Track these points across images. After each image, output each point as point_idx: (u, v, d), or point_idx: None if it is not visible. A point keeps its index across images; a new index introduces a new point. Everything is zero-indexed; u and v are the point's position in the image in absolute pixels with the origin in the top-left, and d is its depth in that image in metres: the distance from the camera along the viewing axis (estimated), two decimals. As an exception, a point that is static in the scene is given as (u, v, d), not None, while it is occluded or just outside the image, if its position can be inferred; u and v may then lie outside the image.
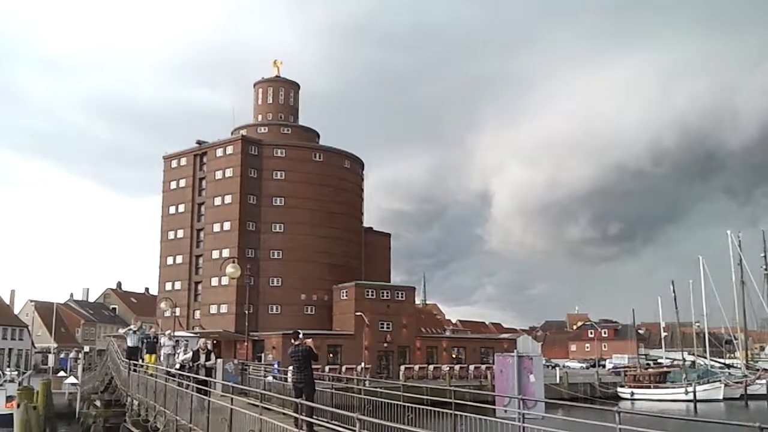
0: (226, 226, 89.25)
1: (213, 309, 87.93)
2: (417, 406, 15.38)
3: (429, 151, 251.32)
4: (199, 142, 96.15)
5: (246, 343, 56.84)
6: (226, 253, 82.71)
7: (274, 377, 32.33)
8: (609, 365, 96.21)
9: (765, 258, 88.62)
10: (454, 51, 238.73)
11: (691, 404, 61.86)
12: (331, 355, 75.79)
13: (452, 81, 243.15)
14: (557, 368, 78.32)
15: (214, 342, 67.04)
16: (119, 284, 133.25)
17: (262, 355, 75.23)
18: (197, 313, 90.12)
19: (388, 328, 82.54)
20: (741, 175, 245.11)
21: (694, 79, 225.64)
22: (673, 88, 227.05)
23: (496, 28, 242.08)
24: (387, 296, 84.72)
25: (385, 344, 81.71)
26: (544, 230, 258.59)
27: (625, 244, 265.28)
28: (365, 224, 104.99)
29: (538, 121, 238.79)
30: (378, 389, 24.22)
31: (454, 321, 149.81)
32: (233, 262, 31.85)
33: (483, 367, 74.43)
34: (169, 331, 32.00)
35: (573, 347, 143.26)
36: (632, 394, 67.75)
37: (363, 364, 67.39)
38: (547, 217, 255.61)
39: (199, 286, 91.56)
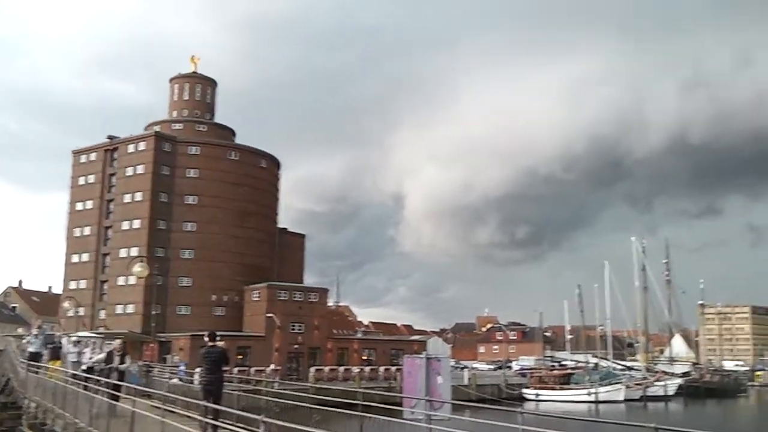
0: (136, 224, 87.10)
1: (119, 309, 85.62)
2: (326, 407, 15.35)
3: (346, 152, 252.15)
4: (110, 137, 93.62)
5: (152, 345, 55.60)
6: (134, 251, 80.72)
7: (180, 379, 31.76)
8: (516, 367, 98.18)
9: (667, 264, 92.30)
10: (375, 52, 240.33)
11: (594, 405, 63.64)
12: (240, 356, 74.87)
13: (372, 81, 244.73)
14: (466, 370, 79.37)
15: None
16: (20, 282, 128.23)
17: (168, 356, 73.64)
18: (102, 313, 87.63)
19: (299, 329, 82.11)
20: (644, 184, 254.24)
21: (605, 88, 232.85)
22: (585, 97, 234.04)
23: (418, 31, 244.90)
24: (299, 298, 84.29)
25: (296, 346, 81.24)
26: (456, 233, 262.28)
27: (533, 249, 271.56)
28: (280, 225, 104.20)
29: (454, 124, 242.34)
30: (287, 391, 24.08)
31: (366, 323, 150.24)
32: (141, 260, 31.14)
33: (393, 368, 74.82)
34: (74, 337, 30.96)
35: (482, 349, 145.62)
36: (537, 395, 69.25)
37: (272, 366, 66.80)
38: (458, 220, 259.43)
39: (105, 285, 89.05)
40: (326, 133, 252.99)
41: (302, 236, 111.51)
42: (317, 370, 72.71)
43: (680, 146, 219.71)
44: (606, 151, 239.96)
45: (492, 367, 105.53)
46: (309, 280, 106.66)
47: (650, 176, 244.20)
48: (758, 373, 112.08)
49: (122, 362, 20.45)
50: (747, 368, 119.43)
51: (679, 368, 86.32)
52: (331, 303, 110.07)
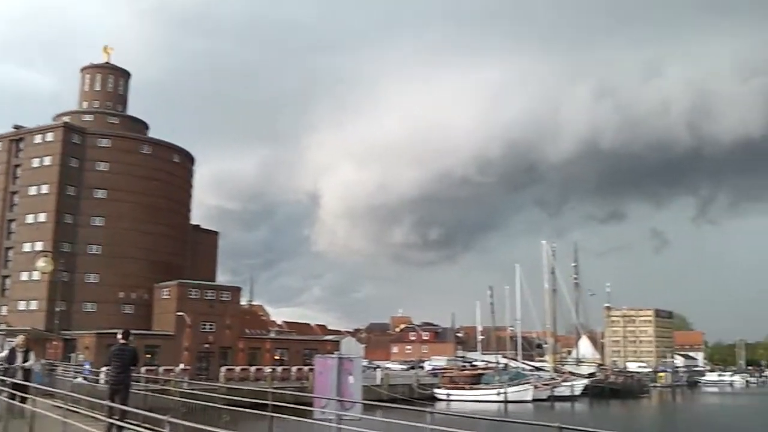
0: (41, 217, 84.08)
1: (22, 305, 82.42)
2: (236, 408, 15.14)
3: (262, 149, 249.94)
4: (16, 127, 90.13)
5: (56, 343, 53.81)
6: (39, 246, 77.85)
7: (85, 378, 30.80)
8: (428, 367, 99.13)
9: (575, 268, 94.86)
10: (294, 48, 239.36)
11: (502, 405, 64.76)
12: (149, 355, 73.13)
13: (290, 78, 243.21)
14: (378, 370, 79.66)
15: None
16: None
17: (73, 355, 71.35)
18: (4, 309, 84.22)
19: (210, 328, 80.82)
20: (555, 189, 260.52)
21: (522, 93, 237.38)
22: (501, 101, 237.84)
23: (339, 29, 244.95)
24: (211, 296, 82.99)
25: (207, 345, 79.93)
26: (371, 233, 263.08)
27: (446, 250, 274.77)
28: (192, 221, 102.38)
29: (372, 124, 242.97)
30: (196, 391, 23.63)
31: (279, 322, 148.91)
32: (46, 255, 30.07)
33: (306, 368, 74.45)
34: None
35: (395, 349, 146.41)
36: (448, 395, 69.99)
37: (182, 366, 65.58)
38: (374, 220, 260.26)
39: (8, 281, 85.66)
40: (243, 128, 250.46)
41: (215, 233, 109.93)
42: (228, 369, 71.69)
43: (591, 152, 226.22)
44: (521, 155, 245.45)
45: (405, 367, 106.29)
46: (222, 278, 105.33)
47: (562, 181, 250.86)
48: (660, 374, 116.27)
49: (26, 360, 18.76)
50: (649, 370, 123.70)
51: (585, 369, 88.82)
52: (243, 302, 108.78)
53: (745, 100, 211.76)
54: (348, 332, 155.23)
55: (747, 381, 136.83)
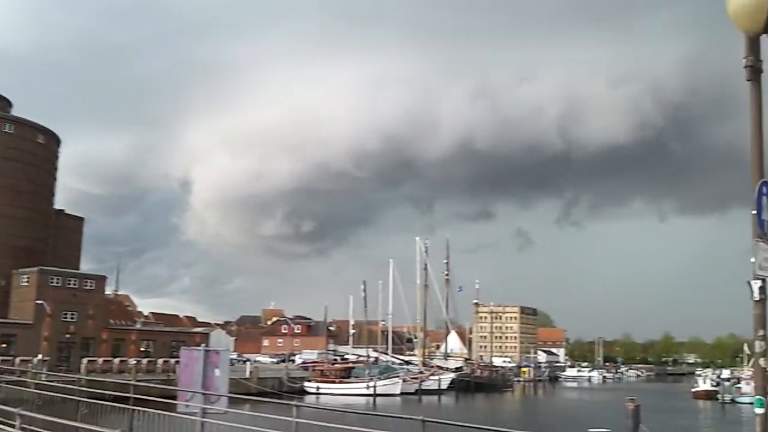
0: None
1: None
2: (96, 401, 14.59)
3: (133, 132, 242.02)
4: None
5: None
6: None
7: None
8: (299, 360, 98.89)
9: (447, 264, 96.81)
10: (171, 31, 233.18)
11: (371, 398, 65.40)
12: (4, 345, 69.53)
13: (166, 61, 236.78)
14: (248, 363, 78.78)
15: None
16: None
17: None
18: None
19: (72, 318, 77.49)
20: (429, 185, 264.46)
21: (402, 89, 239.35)
22: (381, 96, 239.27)
23: (218, 15, 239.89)
24: (74, 285, 79.54)
25: (68, 335, 76.60)
26: (243, 223, 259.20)
27: (319, 243, 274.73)
28: (56, 206, 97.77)
29: (249, 112, 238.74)
30: (55, 383, 22.59)
31: (146, 313, 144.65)
32: None
33: (172, 361, 72.62)
34: None
35: (266, 342, 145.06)
36: (318, 388, 70.18)
37: (40, 356, 62.60)
38: (246, 210, 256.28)
39: None
40: (114, 111, 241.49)
41: (80, 219, 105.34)
42: (90, 361, 69.01)
43: (466, 152, 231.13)
44: (398, 151, 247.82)
45: (275, 360, 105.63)
46: (86, 266, 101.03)
47: (437, 178, 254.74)
48: (523, 369, 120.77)
49: None
50: (514, 365, 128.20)
51: (453, 363, 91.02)
52: (109, 291, 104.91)
53: (613, 107, 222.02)
54: (218, 324, 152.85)
55: (604, 376, 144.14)
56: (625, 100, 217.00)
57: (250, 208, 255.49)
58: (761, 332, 6.16)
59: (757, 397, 6.29)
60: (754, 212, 6.21)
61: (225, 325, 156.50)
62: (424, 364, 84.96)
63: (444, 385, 75.98)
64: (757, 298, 6.14)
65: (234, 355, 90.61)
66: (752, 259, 6.14)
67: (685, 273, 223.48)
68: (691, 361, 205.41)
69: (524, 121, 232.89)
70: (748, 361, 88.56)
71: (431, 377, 76.32)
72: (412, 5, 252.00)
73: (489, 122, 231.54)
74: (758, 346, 6.19)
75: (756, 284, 6.13)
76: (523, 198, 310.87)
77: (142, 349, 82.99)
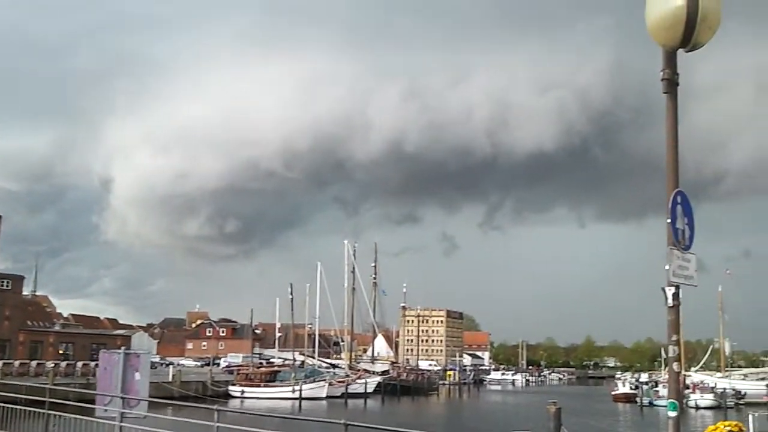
0: None
1: None
2: (11, 405, 14.14)
3: (52, 127, 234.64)
4: None
5: None
6: None
7: None
8: (223, 364, 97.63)
9: (375, 268, 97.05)
10: (95, 25, 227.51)
11: (297, 402, 65.01)
12: None
13: (89, 56, 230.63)
14: (171, 366, 77.39)
15: None
16: None
17: None
18: None
19: (-13, 319, 74.98)
20: (357, 187, 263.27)
21: (333, 89, 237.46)
22: (313, 95, 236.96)
23: (149, 9, 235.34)
24: (-10, 284, 77.02)
25: (-17, 337, 74.09)
26: (165, 223, 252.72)
27: (245, 245, 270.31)
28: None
29: (176, 109, 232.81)
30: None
31: (65, 315, 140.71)
32: None
33: (92, 364, 70.77)
34: None
35: (190, 345, 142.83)
36: (243, 392, 69.40)
37: (-48, 359, 60.33)
38: (170, 210, 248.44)
39: None
40: (31, 104, 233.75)
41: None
42: (5, 364, 66.69)
43: (396, 154, 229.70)
44: (329, 152, 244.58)
45: (199, 363, 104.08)
46: (2, 265, 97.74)
47: (367, 180, 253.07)
48: (449, 372, 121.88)
49: None
50: (439, 368, 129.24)
51: (379, 367, 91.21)
52: (26, 292, 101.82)
53: (540, 113, 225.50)
54: (141, 327, 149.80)
55: (527, 380, 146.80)
56: (551, 106, 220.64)
57: (174, 208, 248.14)
58: (675, 337, 6.35)
59: (670, 400, 6.47)
60: (669, 221, 6.40)
61: (148, 328, 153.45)
62: (351, 368, 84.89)
63: (370, 388, 76.01)
64: (671, 304, 6.33)
65: (156, 359, 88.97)
66: (666, 267, 6.32)
67: (606, 278, 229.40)
68: (611, 365, 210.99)
69: (454, 125, 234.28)
70: (665, 365, 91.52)
71: (357, 381, 76.30)
72: (347, 6, 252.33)
73: (419, 125, 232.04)
74: (671, 350, 6.38)
75: (670, 291, 6.31)
76: (450, 202, 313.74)
77: (60, 351, 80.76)
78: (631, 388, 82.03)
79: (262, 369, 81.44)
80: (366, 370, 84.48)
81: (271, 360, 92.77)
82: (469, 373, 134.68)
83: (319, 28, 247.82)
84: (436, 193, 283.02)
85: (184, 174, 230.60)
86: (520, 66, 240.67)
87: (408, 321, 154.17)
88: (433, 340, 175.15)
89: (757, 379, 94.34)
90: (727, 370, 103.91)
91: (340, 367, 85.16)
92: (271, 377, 75.44)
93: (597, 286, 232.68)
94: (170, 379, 64.42)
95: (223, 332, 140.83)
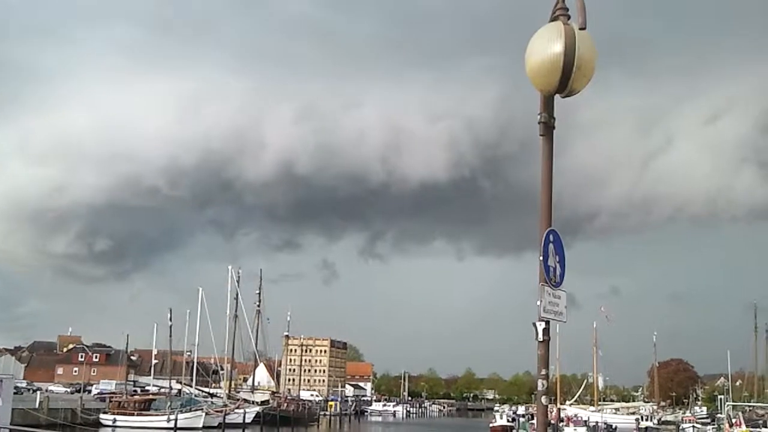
0: None
1: None
2: None
3: None
4: None
5: None
6: None
7: None
8: (95, 391, 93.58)
9: (259, 295, 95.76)
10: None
11: (172, 432, 63.18)
12: None
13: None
14: (39, 392, 73.59)
15: None
16: None
17: None
18: None
19: None
20: (243, 211, 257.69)
21: (223, 107, 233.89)
22: (200, 112, 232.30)
23: (28, 16, 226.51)
24: None
25: None
26: (32, 239, 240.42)
27: (116, 266, 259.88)
28: None
29: (56, 119, 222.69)
30: None
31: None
32: None
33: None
34: None
35: (60, 370, 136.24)
36: (115, 420, 67.04)
37: None
38: (38, 225, 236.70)
39: None
40: None
41: None
42: None
43: (287, 176, 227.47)
44: (215, 171, 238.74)
45: (70, 390, 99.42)
46: None
47: (252, 203, 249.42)
48: (330, 403, 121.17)
49: None
50: (321, 398, 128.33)
51: (259, 396, 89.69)
52: None
53: (432, 142, 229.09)
54: (7, 350, 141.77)
55: (408, 411, 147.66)
56: (443, 136, 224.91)
57: (46, 223, 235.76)
58: (544, 371, 6.53)
59: (538, 433, 6.65)
60: (541, 258, 6.62)
61: (15, 351, 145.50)
62: (230, 397, 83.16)
63: (249, 418, 74.63)
64: (541, 339, 6.52)
65: (23, 384, 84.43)
66: (538, 303, 6.52)
67: (486, 311, 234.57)
68: (490, 397, 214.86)
69: (346, 150, 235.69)
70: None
71: (236, 410, 74.82)
72: (240, 27, 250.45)
73: (311, 148, 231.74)
74: (540, 384, 6.55)
75: (540, 326, 6.50)
76: (332, 228, 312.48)
77: None
78: (508, 421, 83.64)
79: (136, 397, 78.63)
80: (245, 400, 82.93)
81: (147, 388, 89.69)
82: (350, 403, 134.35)
83: (211, 46, 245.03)
84: (319, 219, 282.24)
85: (61, 187, 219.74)
86: (413, 95, 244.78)
87: (291, 350, 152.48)
88: (315, 370, 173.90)
89: (628, 413, 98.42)
90: (599, 404, 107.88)
91: (219, 396, 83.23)
92: (146, 406, 72.95)
93: (477, 318, 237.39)
94: (37, 405, 61.32)
95: (96, 358, 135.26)
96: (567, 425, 76.41)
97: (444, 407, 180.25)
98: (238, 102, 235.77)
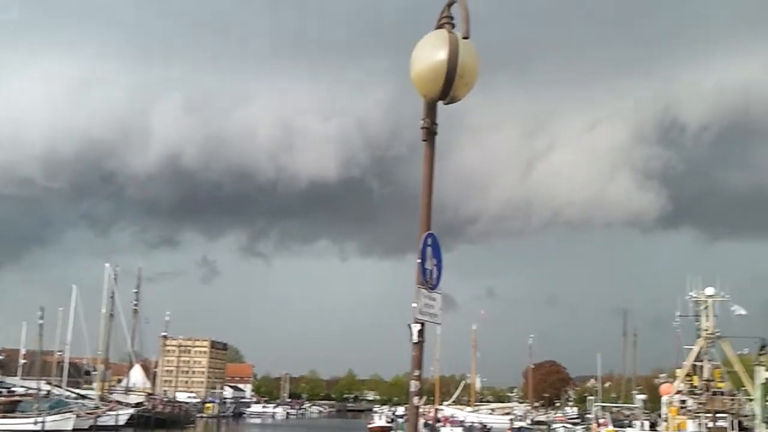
0: None
1: None
2: None
3: None
4: None
5: None
6: None
7: None
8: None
9: (137, 294, 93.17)
10: None
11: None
12: None
13: None
14: None
15: None
16: None
17: None
18: None
19: None
20: (124, 205, 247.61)
21: (107, 93, 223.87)
22: (82, 98, 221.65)
23: None
24: None
25: None
26: None
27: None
28: None
29: None
30: None
31: None
32: None
33: None
34: None
35: None
36: (-23, 424, 63.61)
37: None
38: None
39: None
40: None
41: None
42: None
43: (173, 170, 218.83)
44: (97, 161, 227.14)
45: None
46: None
47: (135, 197, 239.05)
48: (208, 405, 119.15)
49: None
50: (198, 400, 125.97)
51: (134, 398, 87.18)
52: None
53: (323, 142, 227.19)
54: None
55: (288, 413, 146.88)
56: (334, 136, 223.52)
57: None
58: (417, 372, 6.64)
59: (409, 432, 6.76)
60: (419, 261, 6.73)
61: None
62: (103, 399, 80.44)
63: (122, 420, 72.44)
64: (416, 341, 6.62)
65: None
66: (414, 304, 6.62)
67: (368, 313, 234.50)
68: (371, 398, 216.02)
69: (235, 145, 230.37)
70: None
71: (108, 413, 72.49)
72: (133, 14, 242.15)
73: (199, 140, 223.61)
74: (413, 385, 6.66)
75: (415, 328, 6.61)
76: (214, 226, 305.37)
77: None
78: (387, 421, 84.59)
79: (1, 398, 74.91)
80: (119, 402, 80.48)
81: (13, 389, 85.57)
82: (229, 405, 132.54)
83: (100, 30, 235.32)
84: (202, 216, 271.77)
85: None
86: (306, 93, 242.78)
87: (169, 351, 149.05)
88: (194, 371, 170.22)
89: (503, 414, 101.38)
90: (476, 405, 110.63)
91: (90, 398, 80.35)
92: (10, 408, 69.53)
93: (360, 320, 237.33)
94: None
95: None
96: (444, 425, 77.96)
97: (324, 409, 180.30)
98: (125, 90, 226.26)
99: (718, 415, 47.59)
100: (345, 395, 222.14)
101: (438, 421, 79.84)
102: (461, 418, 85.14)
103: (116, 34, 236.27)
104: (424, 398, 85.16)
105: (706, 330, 51.04)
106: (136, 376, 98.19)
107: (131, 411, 76.13)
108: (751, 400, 46.93)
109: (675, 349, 62.51)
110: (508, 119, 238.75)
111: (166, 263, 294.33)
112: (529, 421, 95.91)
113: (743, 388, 48.14)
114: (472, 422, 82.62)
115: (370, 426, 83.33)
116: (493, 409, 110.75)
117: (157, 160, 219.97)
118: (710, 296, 51.11)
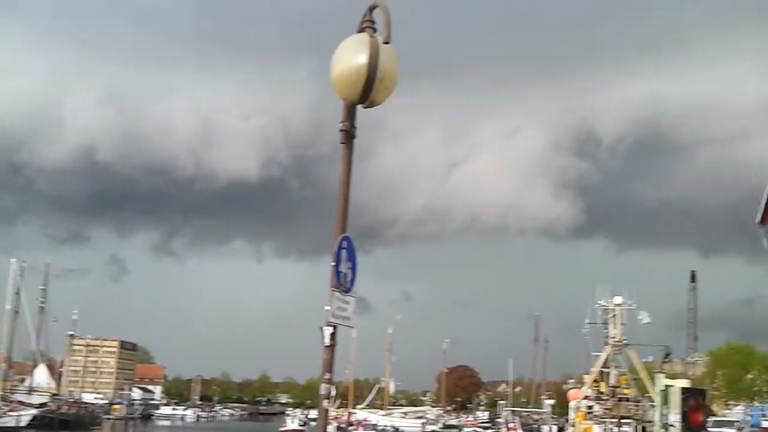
0: None
1: None
2: None
3: None
4: None
5: None
6: None
7: None
8: None
9: (44, 291, 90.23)
10: None
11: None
12: None
13: None
14: None
15: None
16: None
17: None
18: None
19: None
20: (15, 198, 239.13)
21: (19, 83, 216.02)
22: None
23: None
24: None
25: None
26: None
27: None
28: None
29: None
30: None
31: None
32: None
33: None
34: None
35: None
36: None
37: None
38: None
39: None
40: None
41: None
42: None
43: (86, 164, 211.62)
44: (2, 156, 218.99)
45: None
46: None
47: (35, 191, 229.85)
48: (115, 406, 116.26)
49: None
50: (106, 401, 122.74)
51: (37, 399, 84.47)
52: None
53: (244, 139, 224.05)
54: None
55: (198, 415, 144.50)
56: (255, 134, 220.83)
57: None
58: (327, 376, 6.63)
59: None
60: (333, 264, 6.72)
61: None
62: (4, 399, 77.66)
63: (24, 421, 70.19)
64: (327, 344, 6.61)
65: None
66: (327, 307, 6.61)
67: (283, 315, 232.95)
68: (284, 401, 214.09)
69: (151, 141, 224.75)
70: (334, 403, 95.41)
71: (9, 413, 70.08)
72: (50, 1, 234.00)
73: (114, 134, 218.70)
74: (323, 388, 6.65)
75: (327, 330, 6.59)
76: (126, 222, 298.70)
77: None
78: (299, 425, 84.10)
79: None
80: (21, 402, 77.84)
81: None
82: (137, 407, 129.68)
83: (15, 18, 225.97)
84: (113, 211, 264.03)
85: None
86: (229, 90, 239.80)
87: (75, 350, 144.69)
88: (102, 372, 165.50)
89: (415, 417, 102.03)
90: (389, 409, 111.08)
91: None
92: None
93: (274, 322, 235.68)
94: None
95: None
96: (357, 429, 78.03)
97: (236, 411, 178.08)
98: (38, 80, 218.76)
99: (623, 420, 48.95)
100: (258, 398, 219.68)
101: (351, 424, 79.89)
102: (374, 422, 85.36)
103: (33, 23, 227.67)
104: (338, 402, 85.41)
105: (613, 337, 52.42)
106: (41, 375, 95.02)
107: (34, 412, 73.91)
108: (653, 406, 48.60)
109: (584, 355, 64.29)
110: (429, 124, 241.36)
111: (74, 260, 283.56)
112: (440, 425, 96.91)
113: (647, 395, 49.68)
114: (385, 426, 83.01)
115: (282, 429, 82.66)
116: (405, 413, 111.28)
117: (69, 152, 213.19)
118: (618, 305, 52.47)
